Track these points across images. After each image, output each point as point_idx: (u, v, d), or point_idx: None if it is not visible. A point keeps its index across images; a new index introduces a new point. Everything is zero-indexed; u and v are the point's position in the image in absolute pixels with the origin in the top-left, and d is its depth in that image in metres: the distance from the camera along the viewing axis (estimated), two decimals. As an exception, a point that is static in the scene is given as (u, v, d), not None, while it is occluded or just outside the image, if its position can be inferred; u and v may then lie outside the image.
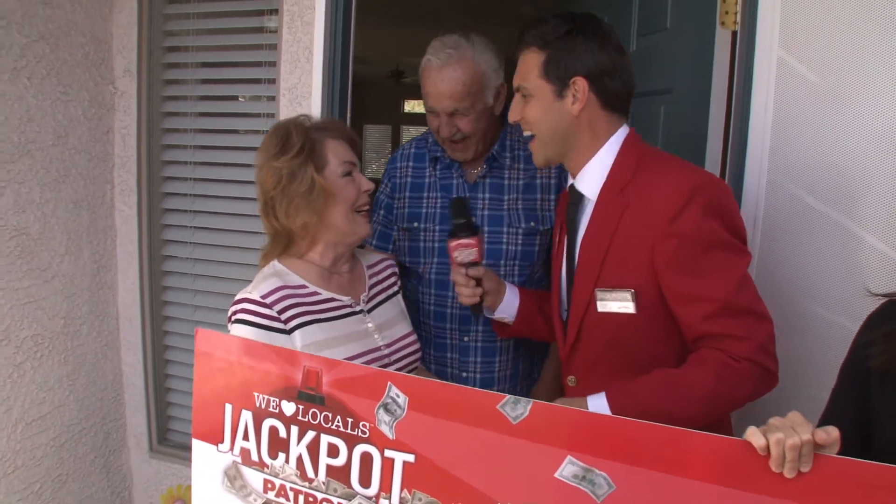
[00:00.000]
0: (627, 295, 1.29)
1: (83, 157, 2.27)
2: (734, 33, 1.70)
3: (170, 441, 2.52)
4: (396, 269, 1.66)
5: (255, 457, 1.15)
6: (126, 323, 2.45)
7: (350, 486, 1.09)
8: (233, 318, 1.37)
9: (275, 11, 2.13)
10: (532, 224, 1.74)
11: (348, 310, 1.47)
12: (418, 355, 1.59)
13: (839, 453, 0.92)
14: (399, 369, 1.50)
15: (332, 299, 1.45)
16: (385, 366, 1.46)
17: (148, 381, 2.46)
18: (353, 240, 1.48)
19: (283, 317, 1.35)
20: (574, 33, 1.32)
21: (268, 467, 1.15)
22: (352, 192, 1.44)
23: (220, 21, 2.25)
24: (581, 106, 1.32)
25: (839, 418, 1.04)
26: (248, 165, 2.24)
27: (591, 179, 1.36)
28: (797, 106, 1.59)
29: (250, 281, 2.24)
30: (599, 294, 1.32)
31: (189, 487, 2.28)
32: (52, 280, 2.20)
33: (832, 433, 0.90)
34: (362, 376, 1.08)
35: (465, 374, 1.78)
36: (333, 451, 1.08)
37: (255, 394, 1.11)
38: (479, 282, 1.50)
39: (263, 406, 1.10)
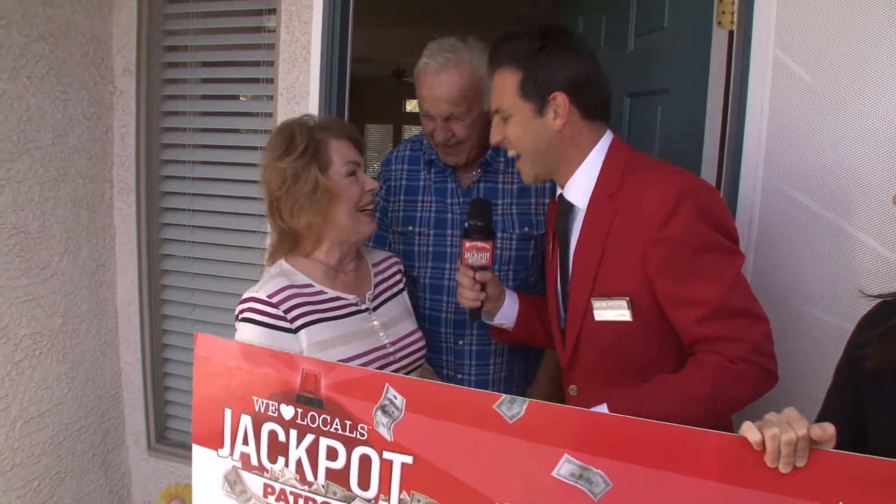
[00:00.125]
0: (623, 303, 1.28)
1: (82, 156, 2.28)
2: (731, 33, 1.70)
3: (168, 439, 2.53)
4: (402, 267, 1.68)
5: (254, 461, 1.15)
6: (125, 321, 2.46)
7: (349, 489, 1.09)
8: (240, 316, 1.39)
9: (273, 11, 2.13)
10: (526, 229, 1.73)
11: (354, 308, 1.48)
12: (423, 353, 1.60)
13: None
14: (404, 367, 1.51)
15: (338, 298, 1.46)
16: (390, 363, 1.48)
17: (146, 379, 2.46)
18: (358, 238, 1.50)
19: (289, 316, 1.37)
20: (547, 48, 1.30)
21: (268, 471, 1.15)
22: (355, 191, 1.45)
23: (218, 21, 2.26)
24: (563, 120, 1.31)
25: (834, 418, 1.04)
26: (247, 164, 2.26)
27: (579, 188, 1.36)
28: (793, 106, 1.59)
29: (249, 280, 2.28)
30: (595, 303, 1.32)
31: (187, 486, 2.30)
32: (51, 278, 2.20)
33: (828, 429, 0.91)
34: (360, 378, 1.08)
35: (459, 377, 1.78)
36: (332, 454, 1.08)
37: (255, 398, 1.11)
38: (482, 286, 1.49)
39: (263, 410, 1.10)
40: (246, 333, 1.36)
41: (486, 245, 1.45)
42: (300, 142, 1.41)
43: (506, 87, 1.34)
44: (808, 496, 0.91)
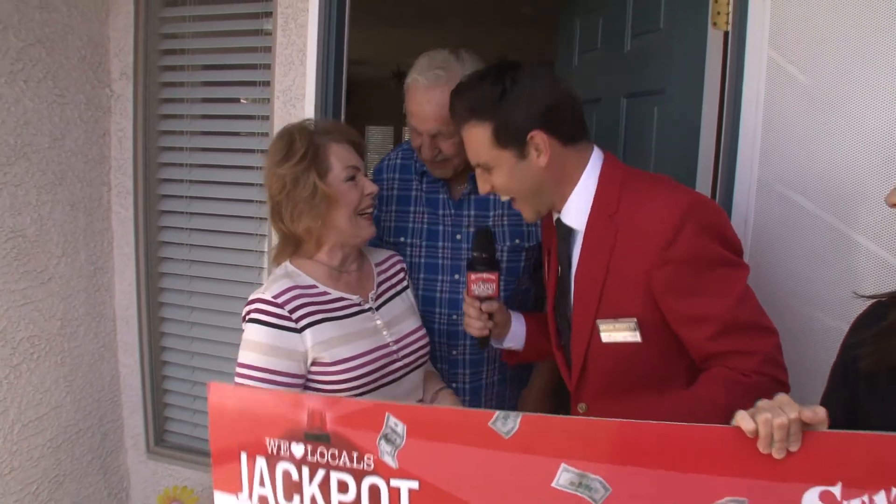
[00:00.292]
0: (631, 324, 1.27)
1: (80, 159, 2.28)
2: (726, 34, 1.69)
3: (167, 442, 2.53)
4: (405, 265, 1.69)
5: (272, 502, 1.17)
6: (123, 324, 2.46)
7: None
8: (246, 317, 1.44)
9: (269, 14, 2.14)
10: (517, 241, 1.73)
11: (357, 308, 1.51)
12: (427, 350, 1.61)
13: None
14: (408, 364, 1.54)
15: (342, 298, 1.49)
16: (394, 361, 1.51)
17: (145, 382, 2.47)
18: (357, 242, 1.53)
19: (294, 316, 1.41)
20: (509, 90, 1.27)
21: None
22: (354, 196, 1.47)
23: (215, 24, 2.26)
24: (547, 156, 1.28)
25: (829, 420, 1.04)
26: (244, 167, 2.27)
27: (576, 211, 1.34)
28: (787, 107, 1.59)
29: (247, 282, 2.29)
30: (602, 325, 1.30)
31: (185, 488, 2.30)
32: (49, 282, 2.21)
33: (819, 411, 0.91)
34: (361, 410, 1.11)
35: (454, 385, 1.78)
36: (343, 488, 1.10)
37: (267, 439, 1.13)
38: (490, 315, 1.49)
39: (275, 451, 1.13)
40: (252, 334, 1.41)
41: (492, 276, 1.46)
42: (299, 147, 1.44)
43: (478, 141, 1.31)
44: (807, 479, 0.92)
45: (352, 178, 1.48)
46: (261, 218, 2.25)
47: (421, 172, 1.78)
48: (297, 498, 1.14)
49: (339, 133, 1.51)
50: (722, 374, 1.20)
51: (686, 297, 1.22)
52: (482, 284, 1.46)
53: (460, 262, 1.74)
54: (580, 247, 1.35)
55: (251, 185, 2.25)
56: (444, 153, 1.65)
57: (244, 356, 1.42)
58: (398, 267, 1.67)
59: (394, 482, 1.07)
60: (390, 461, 1.06)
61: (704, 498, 0.95)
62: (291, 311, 1.41)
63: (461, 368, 1.78)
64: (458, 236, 1.74)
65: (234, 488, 1.19)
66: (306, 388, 1.46)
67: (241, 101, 2.38)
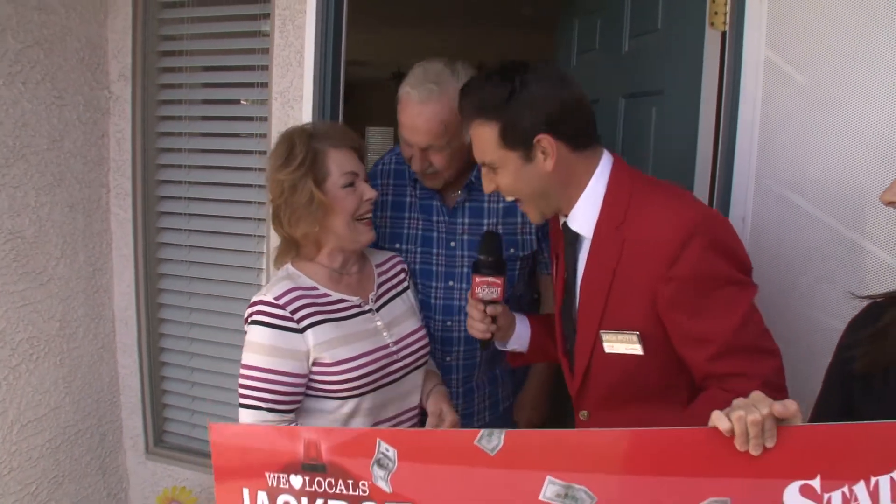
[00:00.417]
0: (634, 337, 1.26)
1: (78, 160, 2.28)
2: (723, 34, 1.69)
3: (166, 443, 2.53)
4: (405, 266, 1.70)
5: None
6: (122, 325, 2.46)
7: None
8: (249, 319, 1.45)
9: (267, 16, 2.14)
10: (512, 251, 1.71)
11: (357, 309, 1.53)
12: (426, 350, 1.62)
13: None
14: (407, 365, 1.56)
15: (342, 300, 1.51)
16: (394, 362, 1.53)
17: (144, 383, 2.47)
18: (356, 247, 1.54)
19: (296, 316, 1.43)
20: (517, 91, 1.24)
21: None
22: (352, 202, 1.48)
23: (213, 25, 2.26)
24: (553, 160, 1.26)
25: (825, 421, 1.04)
26: (243, 168, 2.27)
27: (583, 218, 1.32)
28: (785, 107, 1.59)
29: (246, 283, 2.29)
30: (605, 336, 1.30)
31: (184, 489, 2.30)
32: (48, 283, 2.21)
33: (790, 406, 0.92)
34: (354, 438, 1.14)
35: (448, 389, 1.77)
36: None
37: (267, 473, 1.15)
38: (493, 318, 1.48)
39: (275, 484, 1.15)
40: (255, 335, 1.43)
41: (498, 280, 1.44)
42: (298, 152, 1.45)
43: (485, 140, 1.29)
44: (787, 475, 0.93)
45: (350, 185, 1.49)
46: (259, 219, 2.25)
47: (414, 178, 1.76)
48: None
49: (340, 138, 1.51)
50: (720, 396, 1.18)
51: (689, 315, 1.20)
52: (487, 288, 1.45)
53: (454, 269, 1.73)
54: (586, 255, 1.33)
55: (250, 186, 2.25)
56: (434, 166, 1.63)
57: (248, 358, 1.44)
58: (399, 268, 1.68)
59: None
60: (384, 486, 1.09)
61: (688, 500, 0.96)
62: (293, 312, 1.43)
63: (454, 374, 1.78)
64: (453, 243, 1.73)
65: None
66: (308, 388, 1.46)
67: (241, 102, 2.38)
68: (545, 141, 1.25)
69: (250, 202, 2.26)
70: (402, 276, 1.68)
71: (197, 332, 2.42)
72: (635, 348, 1.26)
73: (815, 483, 0.92)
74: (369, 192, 1.51)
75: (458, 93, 1.34)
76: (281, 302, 1.43)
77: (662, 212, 1.23)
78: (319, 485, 1.12)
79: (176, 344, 2.47)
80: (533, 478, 1.01)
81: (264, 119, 2.18)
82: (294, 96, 2.11)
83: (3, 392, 2.09)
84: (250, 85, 2.22)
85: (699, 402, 1.22)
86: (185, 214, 2.37)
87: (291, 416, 1.45)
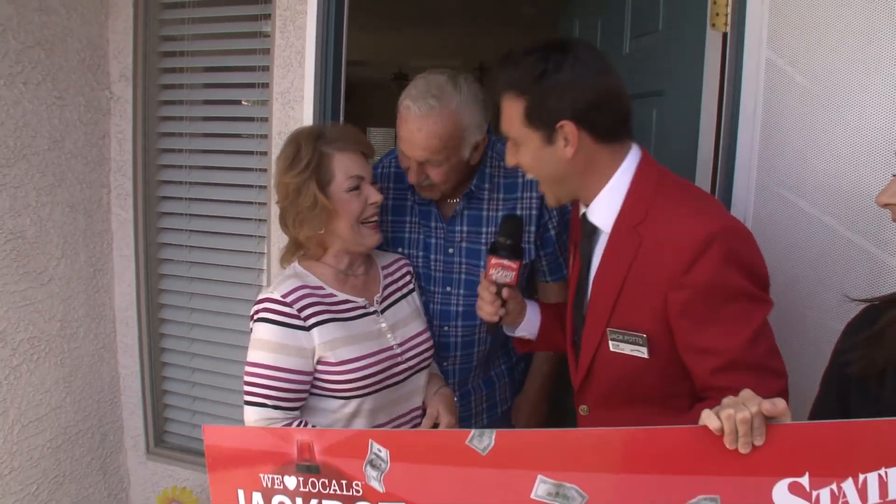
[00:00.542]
0: (640, 339, 1.25)
1: (79, 161, 2.29)
2: (724, 35, 1.69)
3: (166, 443, 2.54)
4: (411, 268, 1.71)
5: None
6: (122, 326, 2.47)
7: None
8: (255, 317, 1.46)
9: (268, 16, 2.14)
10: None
11: (362, 311, 1.53)
12: (430, 353, 1.63)
13: None
14: (412, 367, 1.56)
15: (348, 301, 1.52)
16: (398, 364, 1.54)
17: (144, 383, 2.47)
18: (361, 250, 1.55)
19: (303, 314, 1.44)
20: (550, 73, 1.21)
21: None
22: (356, 206, 1.49)
23: (214, 26, 2.26)
24: (574, 149, 1.23)
25: None
26: (244, 169, 2.27)
27: (603, 212, 1.29)
28: (785, 107, 1.59)
29: (247, 284, 2.29)
30: (611, 334, 1.28)
31: (185, 489, 2.31)
32: (49, 283, 2.21)
33: (778, 404, 0.92)
34: (346, 439, 1.14)
35: None
36: None
37: (261, 475, 1.17)
38: (504, 302, 1.46)
39: (270, 485, 1.16)
40: (261, 333, 1.44)
41: (513, 265, 1.42)
42: (304, 156, 1.46)
43: (512, 114, 1.27)
44: (776, 472, 0.94)
45: (355, 188, 1.49)
46: (260, 219, 2.26)
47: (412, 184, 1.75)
48: None
49: (347, 140, 1.51)
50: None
51: (698, 325, 1.17)
52: (501, 271, 1.42)
53: (452, 275, 1.73)
54: (602, 250, 1.31)
55: (251, 186, 2.26)
56: (431, 179, 1.60)
57: (254, 355, 1.44)
58: (405, 270, 1.69)
59: None
60: (377, 486, 1.10)
61: (678, 498, 0.96)
62: (300, 310, 1.44)
63: (451, 378, 1.79)
64: (451, 250, 1.73)
65: None
66: (312, 386, 1.47)
67: (242, 102, 2.39)
68: (568, 128, 1.22)
69: (251, 203, 2.26)
70: (408, 278, 1.69)
71: (197, 332, 2.42)
72: (640, 351, 1.25)
73: (804, 480, 0.93)
74: (374, 196, 1.51)
75: (498, 63, 1.29)
76: (288, 300, 1.44)
77: (684, 215, 1.20)
78: (314, 485, 1.13)
79: (176, 344, 2.47)
80: (524, 477, 1.02)
81: (265, 120, 2.18)
82: (295, 97, 2.11)
83: (3, 392, 2.09)
84: (251, 85, 2.23)
85: (696, 413, 1.21)
86: (185, 215, 2.37)
87: (296, 413, 1.46)
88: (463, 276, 1.72)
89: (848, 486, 0.91)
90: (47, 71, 2.14)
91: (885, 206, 1.05)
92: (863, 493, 0.91)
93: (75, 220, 2.29)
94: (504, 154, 1.70)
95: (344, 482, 1.12)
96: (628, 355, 1.27)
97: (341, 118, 2.12)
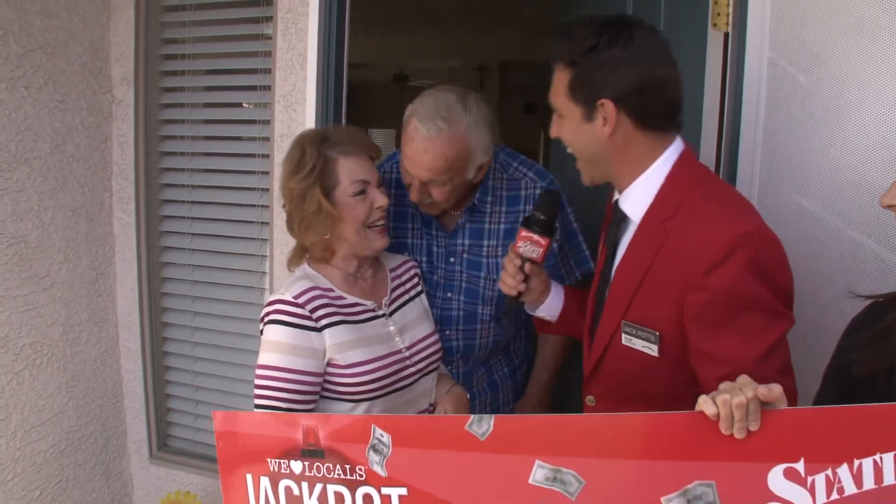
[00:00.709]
0: (652, 336, 1.23)
1: (81, 165, 2.28)
2: (726, 35, 1.69)
3: (170, 447, 2.53)
4: (418, 271, 1.70)
5: None
6: (125, 330, 2.46)
7: None
8: (266, 319, 1.45)
9: (270, 19, 2.14)
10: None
11: (371, 314, 1.53)
12: (439, 355, 1.62)
13: None
14: (420, 370, 1.56)
15: (357, 304, 1.52)
16: (406, 367, 1.54)
17: (147, 387, 2.47)
18: (368, 254, 1.54)
19: (315, 315, 1.44)
20: (600, 48, 1.18)
21: None
22: (361, 211, 1.48)
23: (216, 29, 2.27)
24: (611, 129, 1.21)
25: None
26: (246, 172, 2.27)
27: (635, 201, 1.27)
28: (788, 108, 1.59)
29: (250, 287, 2.29)
30: (626, 327, 1.26)
31: (188, 494, 2.30)
32: (51, 287, 2.21)
33: (774, 389, 0.92)
34: (350, 424, 1.16)
35: None
36: (340, 499, 1.15)
37: (269, 459, 1.19)
38: (526, 277, 1.43)
39: (276, 469, 1.18)
40: (273, 334, 1.43)
41: (543, 241, 1.38)
42: (308, 160, 1.46)
43: (558, 85, 1.25)
44: (771, 458, 0.94)
45: (361, 192, 1.48)
46: (262, 222, 2.25)
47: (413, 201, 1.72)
48: None
49: (352, 143, 1.50)
50: None
51: (711, 330, 1.15)
52: (529, 245, 1.39)
53: (453, 282, 1.73)
54: (628, 241, 1.29)
55: (253, 189, 2.25)
56: (432, 198, 1.59)
57: (265, 357, 1.43)
58: (413, 272, 1.69)
59: (384, 490, 1.12)
60: (380, 470, 1.11)
61: (674, 484, 0.97)
62: (312, 311, 1.43)
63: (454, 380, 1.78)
64: (452, 259, 1.72)
65: None
66: (322, 389, 1.47)
67: (247, 105, 2.38)
68: (608, 107, 1.20)
69: (253, 205, 2.26)
70: (416, 280, 1.68)
71: (200, 335, 2.41)
72: (651, 348, 1.23)
73: (799, 466, 0.93)
74: (380, 200, 1.50)
75: (556, 38, 1.26)
76: (300, 301, 1.43)
77: (714, 216, 1.17)
78: (318, 470, 1.15)
79: (179, 348, 2.46)
80: (522, 462, 1.03)
81: (267, 122, 2.18)
82: (297, 99, 2.11)
83: (6, 397, 2.09)
84: (253, 88, 2.22)
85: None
86: (188, 218, 2.37)
87: None
88: (464, 285, 1.72)
89: (843, 471, 0.92)
90: (49, 75, 2.14)
91: (889, 207, 1.04)
92: (858, 478, 0.91)
93: (77, 224, 2.29)
94: (507, 164, 1.72)
95: (347, 467, 1.13)
96: (638, 350, 1.25)
97: (343, 120, 2.12)
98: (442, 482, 1.09)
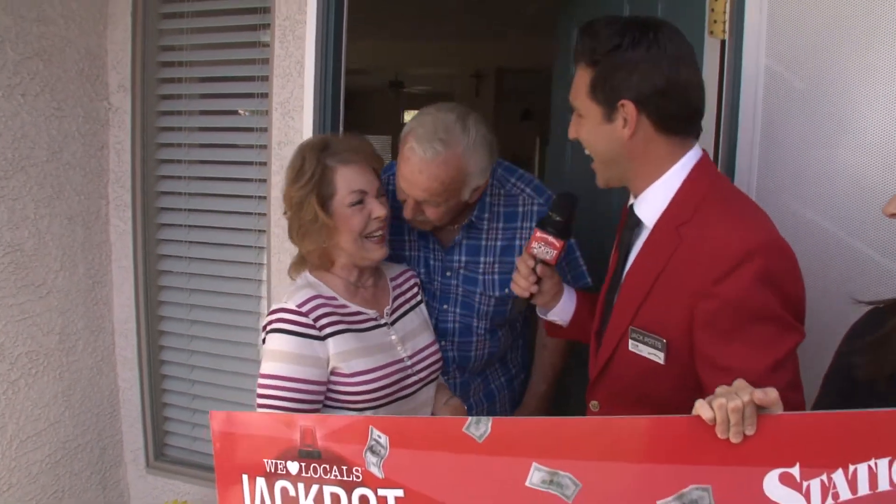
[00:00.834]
0: (659, 343, 1.21)
1: (77, 172, 2.28)
2: (723, 42, 1.69)
3: (167, 456, 2.52)
4: (418, 280, 1.70)
5: None
6: (121, 338, 2.45)
7: None
8: (268, 328, 1.44)
9: (267, 26, 2.14)
10: (506, 291, 1.66)
11: (374, 323, 1.53)
12: (439, 365, 1.62)
13: None
14: (422, 379, 1.56)
15: (359, 312, 1.51)
16: (408, 376, 1.54)
17: (144, 396, 2.45)
18: (366, 263, 1.53)
19: (318, 324, 1.43)
20: (622, 48, 1.17)
21: None
22: (358, 221, 1.47)
23: (213, 36, 2.26)
24: (631, 131, 1.20)
25: None
26: (243, 180, 2.26)
27: (650, 206, 1.25)
28: (785, 114, 1.59)
29: (247, 295, 2.28)
30: (633, 333, 1.25)
31: (185, 503, 2.29)
32: (47, 296, 2.20)
33: (770, 393, 0.92)
34: (347, 425, 1.16)
35: None
36: (336, 500, 1.15)
37: (265, 460, 1.18)
38: (539, 279, 1.42)
39: (273, 470, 1.18)
40: (276, 344, 1.42)
41: (557, 243, 1.37)
42: (307, 169, 1.46)
43: (579, 84, 1.24)
44: (767, 462, 0.94)
45: (358, 203, 1.47)
46: (260, 230, 2.25)
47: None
48: None
49: (353, 152, 1.49)
50: None
51: (720, 340, 1.13)
52: (543, 246, 1.37)
53: (449, 295, 1.72)
54: (640, 246, 1.28)
55: (250, 197, 2.25)
56: (425, 216, 1.57)
57: (268, 367, 1.42)
58: (412, 282, 1.69)
59: (381, 491, 1.12)
60: (377, 472, 1.11)
61: (671, 487, 0.97)
62: (315, 320, 1.43)
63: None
64: (448, 273, 1.72)
65: None
66: (325, 397, 1.46)
67: (242, 113, 2.38)
68: (628, 108, 1.19)
69: (251, 213, 2.26)
70: (416, 289, 1.68)
71: (197, 344, 2.40)
72: (657, 356, 1.21)
73: (795, 471, 0.93)
74: (378, 210, 1.48)
75: (579, 30, 1.25)
76: (304, 309, 1.43)
77: (728, 224, 1.15)
78: (315, 471, 1.15)
79: (176, 356, 2.45)
80: (519, 464, 1.03)
81: (264, 130, 2.18)
82: (294, 107, 2.11)
83: (2, 407, 2.07)
84: (250, 95, 2.23)
85: None
86: (185, 226, 2.36)
87: None
88: (460, 298, 1.72)
89: (838, 476, 0.92)
90: (45, 82, 2.13)
91: (893, 216, 1.04)
92: (853, 483, 0.91)
93: (74, 232, 2.28)
94: (504, 180, 1.70)
95: (344, 468, 1.13)
96: (644, 357, 1.24)
97: (341, 128, 2.12)
98: (439, 484, 1.08)
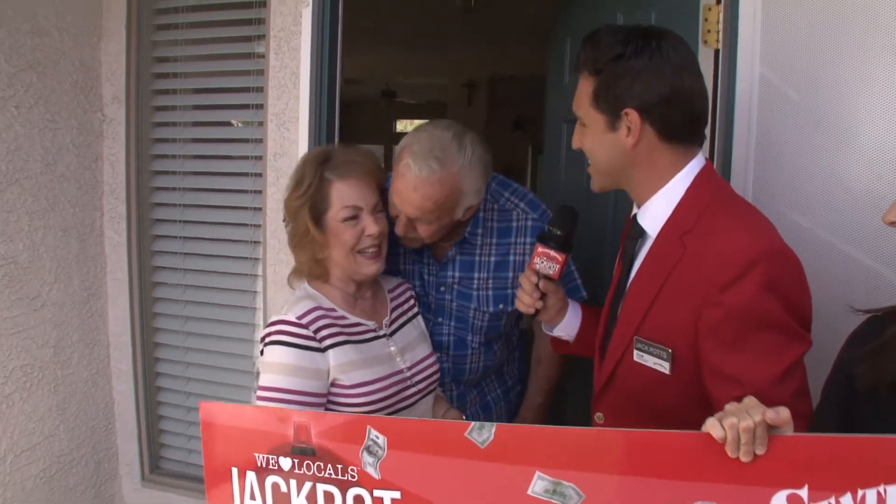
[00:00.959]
0: (664, 353, 1.20)
1: (72, 184, 2.27)
2: (717, 52, 1.71)
3: (162, 469, 2.50)
4: (414, 292, 1.70)
5: None
6: (116, 351, 2.43)
7: None
8: (267, 339, 1.43)
9: (262, 37, 2.14)
10: (501, 307, 1.68)
11: (373, 334, 1.53)
12: (437, 376, 1.62)
13: None
14: (420, 390, 1.56)
15: (359, 323, 1.51)
16: (407, 387, 1.53)
17: (139, 409, 2.44)
18: (359, 278, 1.52)
19: (319, 336, 1.42)
20: (626, 57, 1.17)
21: None
22: (350, 237, 1.46)
23: (208, 47, 2.26)
24: (635, 140, 1.19)
25: None
26: (238, 191, 2.26)
27: (654, 216, 1.25)
28: (780, 123, 1.60)
29: (242, 307, 2.27)
30: (638, 343, 1.24)
31: (181, 516, 2.26)
32: (42, 309, 2.18)
33: (782, 413, 0.92)
34: (344, 423, 1.14)
35: None
36: (329, 499, 1.13)
37: (256, 454, 1.16)
38: (543, 295, 1.41)
39: (264, 465, 1.16)
40: (276, 356, 1.41)
41: (560, 257, 1.36)
42: (305, 181, 1.46)
43: (582, 93, 1.24)
44: (775, 483, 0.93)
45: (352, 218, 1.46)
46: (255, 241, 2.24)
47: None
48: None
49: (354, 166, 1.48)
50: None
51: (726, 348, 1.12)
52: (546, 261, 1.36)
53: (443, 308, 1.72)
54: (643, 256, 1.27)
55: (245, 208, 2.25)
56: (417, 233, 1.55)
57: (268, 379, 1.41)
58: (409, 294, 1.69)
59: (377, 492, 1.10)
60: (373, 472, 1.09)
61: (676, 503, 0.96)
62: (316, 332, 1.42)
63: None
64: (443, 288, 1.71)
65: (227, 503, 1.22)
66: (325, 408, 1.45)
67: (235, 124, 2.38)
68: (632, 116, 1.18)
69: (246, 225, 2.25)
70: (412, 301, 1.68)
71: (193, 356, 2.39)
72: (663, 366, 1.20)
73: (803, 493, 0.92)
74: (371, 228, 1.46)
75: (583, 40, 1.24)
76: (304, 321, 1.42)
77: (733, 231, 1.14)
78: (308, 468, 1.13)
79: (172, 369, 2.44)
80: (522, 472, 1.02)
81: (259, 141, 2.18)
82: (290, 118, 2.10)
83: (-5, 421, 2.06)
84: (245, 107, 2.23)
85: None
86: (179, 237, 2.35)
87: None
88: (454, 312, 1.72)
89: (846, 500, 0.91)
90: (39, 94, 2.13)
91: (893, 224, 1.05)
92: None
93: (68, 244, 2.27)
94: (498, 195, 1.69)
95: (339, 467, 1.11)
96: (650, 367, 1.23)
97: (336, 139, 2.12)
98: (438, 488, 1.07)
